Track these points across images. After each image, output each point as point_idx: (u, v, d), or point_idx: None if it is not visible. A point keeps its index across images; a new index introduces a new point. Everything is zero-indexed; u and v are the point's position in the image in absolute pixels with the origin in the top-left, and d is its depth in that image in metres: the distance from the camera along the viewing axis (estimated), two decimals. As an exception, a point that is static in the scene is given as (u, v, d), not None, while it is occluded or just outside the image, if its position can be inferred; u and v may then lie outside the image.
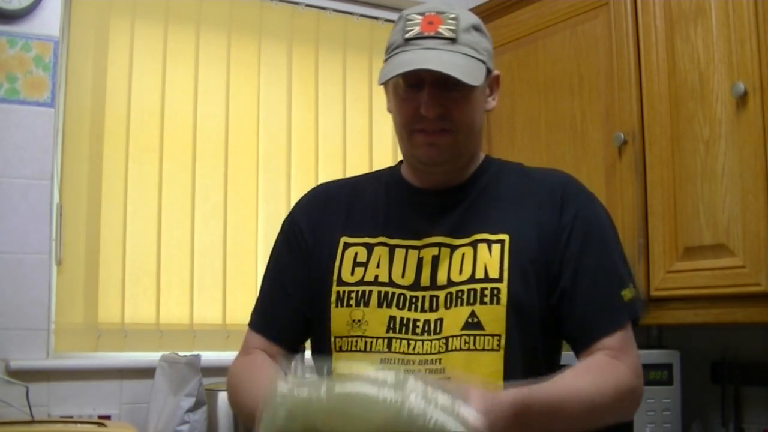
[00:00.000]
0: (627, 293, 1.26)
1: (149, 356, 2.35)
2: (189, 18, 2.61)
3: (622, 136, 2.12)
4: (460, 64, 1.21)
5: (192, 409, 2.17)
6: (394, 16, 2.72)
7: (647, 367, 2.06)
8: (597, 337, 1.23)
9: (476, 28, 1.27)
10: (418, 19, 1.24)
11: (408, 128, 1.27)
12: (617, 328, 1.24)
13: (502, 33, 2.59)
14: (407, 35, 1.23)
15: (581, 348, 1.25)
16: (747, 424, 2.14)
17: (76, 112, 2.42)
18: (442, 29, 1.22)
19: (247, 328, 1.41)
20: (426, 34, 1.22)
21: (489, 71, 1.29)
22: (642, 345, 2.30)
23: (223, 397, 2.21)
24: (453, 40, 1.22)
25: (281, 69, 2.75)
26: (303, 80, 2.79)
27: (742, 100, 1.82)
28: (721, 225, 1.87)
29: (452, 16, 1.24)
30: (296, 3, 2.78)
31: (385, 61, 1.27)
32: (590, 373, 1.19)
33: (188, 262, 2.52)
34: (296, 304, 1.35)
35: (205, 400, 2.22)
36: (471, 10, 2.70)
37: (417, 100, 1.23)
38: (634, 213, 2.09)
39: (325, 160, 2.78)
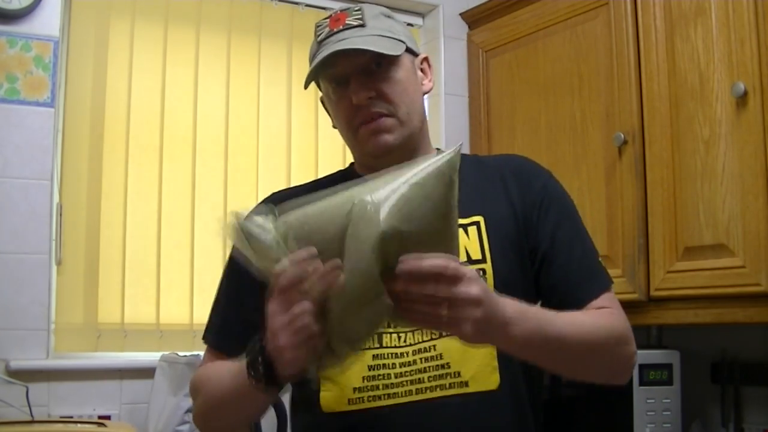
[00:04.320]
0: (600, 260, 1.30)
1: (149, 356, 2.35)
2: (189, 18, 2.61)
3: (622, 136, 2.12)
4: (371, 41, 1.23)
5: (192, 409, 2.17)
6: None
7: (647, 367, 2.09)
8: (584, 300, 1.24)
9: (386, 15, 1.30)
10: (327, 22, 1.28)
11: (351, 127, 1.28)
12: (603, 289, 1.26)
13: (502, 33, 2.59)
14: (319, 38, 1.27)
15: None
16: (747, 424, 2.14)
17: (76, 112, 2.42)
18: (349, 20, 1.26)
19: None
20: (335, 29, 1.25)
21: (415, 54, 1.32)
22: (642, 345, 2.31)
23: (223, 397, 2.21)
24: (362, 26, 1.25)
25: (281, 69, 2.75)
26: (303, 80, 2.78)
27: (742, 100, 1.82)
28: (721, 225, 1.88)
29: (357, 8, 1.27)
30: (296, 3, 2.78)
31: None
32: (586, 313, 1.21)
33: (188, 262, 2.52)
34: (255, 318, 1.15)
35: (205, 400, 2.22)
36: (471, 10, 2.76)
37: (349, 96, 1.26)
38: (634, 213, 2.09)
39: (324, 160, 2.78)
